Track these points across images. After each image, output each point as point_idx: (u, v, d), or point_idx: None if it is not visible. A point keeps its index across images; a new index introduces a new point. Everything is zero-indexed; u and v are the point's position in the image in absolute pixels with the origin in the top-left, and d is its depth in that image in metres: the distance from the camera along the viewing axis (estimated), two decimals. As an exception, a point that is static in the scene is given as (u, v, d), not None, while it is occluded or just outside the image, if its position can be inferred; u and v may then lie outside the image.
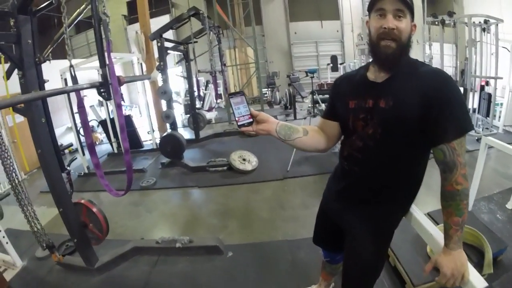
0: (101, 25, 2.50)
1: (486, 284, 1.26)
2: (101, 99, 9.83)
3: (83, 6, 2.80)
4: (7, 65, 2.76)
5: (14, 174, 3.12)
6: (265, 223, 3.91)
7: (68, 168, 3.17)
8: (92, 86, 2.53)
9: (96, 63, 6.51)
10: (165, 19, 13.38)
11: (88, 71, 8.10)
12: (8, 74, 2.88)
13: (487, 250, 2.54)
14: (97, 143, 9.51)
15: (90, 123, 9.62)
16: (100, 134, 9.85)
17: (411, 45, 1.38)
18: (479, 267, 2.44)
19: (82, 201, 3.16)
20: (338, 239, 1.81)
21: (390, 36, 1.32)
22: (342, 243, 1.75)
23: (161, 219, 4.38)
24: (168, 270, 3.17)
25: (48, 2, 2.76)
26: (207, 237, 3.66)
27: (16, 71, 2.63)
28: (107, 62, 2.54)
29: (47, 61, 2.77)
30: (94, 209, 3.12)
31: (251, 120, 1.42)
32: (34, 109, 2.61)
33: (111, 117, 7.23)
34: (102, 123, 7.89)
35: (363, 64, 1.73)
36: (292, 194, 4.63)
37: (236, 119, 1.40)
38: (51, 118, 2.89)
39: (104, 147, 8.78)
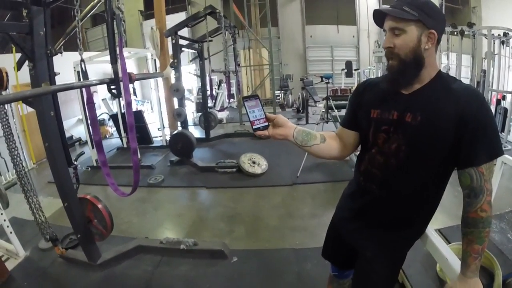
0: (115, 19, 2.43)
1: None
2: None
3: (94, 1, 2.74)
4: (18, 55, 2.74)
5: (20, 165, 3.14)
6: (272, 230, 3.84)
7: (75, 162, 3.13)
8: (101, 82, 2.48)
9: (107, 57, 6.54)
10: (181, 16, 13.45)
11: (104, 64, 8.12)
12: (19, 65, 2.87)
13: (497, 273, 2.45)
14: (107, 136, 9.56)
15: (101, 116, 9.67)
16: (110, 128, 9.88)
17: (422, 57, 1.29)
18: (487, 290, 2.37)
19: (88, 197, 3.13)
20: (349, 257, 1.73)
21: (390, 55, 1.33)
22: (353, 260, 1.69)
23: (167, 218, 4.34)
24: (171, 272, 3.12)
25: None
26: (212, 241, 3.60)
27: (27, 62, 2.60)
28: (119, 59, 2.47)
29: (59, 54, 2.75)
30: (99, 205, 3.09)
31: (266, 123, 1.36)
32: (44, 101, 2.59)
33: (123, 111, 7.21)
34: (113, 117, 7.87)
35: (382, 73, 1.68)
36: (301, 202, 4.54)
37: (251, 122, 1.35)
38: (60, 111, 2.86)
39: (114, 141, 8.80)
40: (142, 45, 14.56)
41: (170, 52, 6.39)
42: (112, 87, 2.51)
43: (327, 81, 7.28)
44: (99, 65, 8.40)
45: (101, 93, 9.79)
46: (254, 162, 5.61)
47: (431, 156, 1.30)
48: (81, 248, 3.17)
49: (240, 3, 12.42)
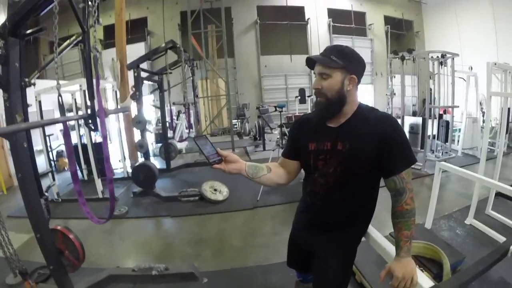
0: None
1: (432, 283, 1.52)
2: (71, 123, 9.74)
3: (74, 37, 2.89)
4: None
5: None
6: (237, 250, 4.01)
7: (46, 194, 3.18)
8: (80, 117, 2.61)
9: (73, 87, 6.52)
10: (140, 47, 13.64)
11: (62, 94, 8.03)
12: None
13: (445, 262, 2.83)
14: (66, 168, 9.31)
15: (59, 148, 9.49)
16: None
17: (345, 96, 1.59)
18: (439, 278, 2.71)
19: (59, 228, 3.15)
20: (309, 261, 1.99)
21: (318, 94, 1.62)
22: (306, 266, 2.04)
23: (134, 247, 4.37)
24: (144, 298, 3.18)
25: (38, 28, 2.83)
26: (183, 265, 3.68)
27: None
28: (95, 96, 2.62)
29: (32, 86, 2.83)
30: (71, 236, 3.11)
31: (220, 157, 1.58)
32: (18, 133, 2.57)
33: (83, 142, 7.19)
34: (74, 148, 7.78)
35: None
36: (263, 222, 4.77)
37: (207, 157, 1.54)
38: (32, 143, 2.92)
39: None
40: (102, 75, 14.46)
41: (130, 83, 6.48)
42: (89, 121, 2.64)
43: (281, 110, 7.61)
44: (55, 95, 8.32)
45: (59, 124, 9.63)
46: (215, 190, 5.78)
47: (360, 171, 1.61)
48: (53, 281, 3.09)
49: (198, 34, 12.74)
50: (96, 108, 2.57)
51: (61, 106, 2.65)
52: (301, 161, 1.83)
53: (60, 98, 2.59)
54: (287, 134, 6.47)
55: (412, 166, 1.60)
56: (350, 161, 1.59)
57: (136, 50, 11.48)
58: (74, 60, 14.53)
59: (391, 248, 1.72)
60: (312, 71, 1.66)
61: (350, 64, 1.57)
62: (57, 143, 9.58)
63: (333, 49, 1.59)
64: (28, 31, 2.72)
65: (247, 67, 15.46)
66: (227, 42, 11.25)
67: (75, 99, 7.70)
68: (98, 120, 2.57)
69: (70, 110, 10.46)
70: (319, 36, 15.49)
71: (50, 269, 2.99)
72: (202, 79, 13.90)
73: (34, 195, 2.84)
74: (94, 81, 2.59)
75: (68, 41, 2.94)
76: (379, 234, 1.89)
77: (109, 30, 10.33)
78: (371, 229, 1.90)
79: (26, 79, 2.73)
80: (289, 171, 1.87)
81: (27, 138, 2.76)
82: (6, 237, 3.25)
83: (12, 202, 6.23)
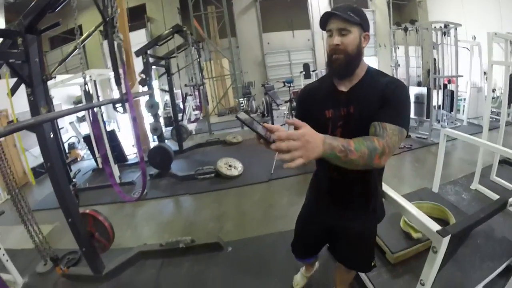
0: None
1: (439, 227, 1.60)
2: (80, 115, 9.84)
3: (93, 28, 2.99)
4: (11, 81, 2.84)
5: (14, 188, 3.22)
6: (257, 221, 4.19)
7: (74, 180, 3.32)
8: (110, 102, 2.73)
9: (80, 79, 6.63)
10: (141, 33, 13.60)
11: (67, 88, 8.18)
12: (13, 91, 3.01)
13: (451, 221, 3.05)
14: (78, 159, 9.50)
15: (70, 140, 9.65)
16: (81, 151, 9.85)
17: (362, 53, 1.61)
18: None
19: (88, 211, 3.31)
20: (322, 244, 2.25)
21: (334, 52, 1.57)
22: (320, 247, 2.30)
23: (158, 227, 4.51)
24: (174, 270, 3.35)
25: (54, 23, 2.91)
26: (208, 236, 3.87)
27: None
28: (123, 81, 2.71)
29: (53, 79, 2.94)
30: (100, 218, 3.28)
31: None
32: (44, 124, 2.70)
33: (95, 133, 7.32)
34: (86, 139, 7.94)
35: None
36: (279, 194, 4.94)
37: (264, 137, 1.16)
38: (59, 132, 3.05)
39: (85, 164, 8.78)
40: (104, 65, 14.52)
41: (136, 69, 6.54)
42: (118, 105, 2.76)
43: (289, 85, 7.66)
44: (62, 89, 8.46)
45: (67, 116, 9.75)
46: (230, 166, 5.94)
47: (367, 130, 1.52)
48: (86, 263, 3.27)
49: (198, 17, 12.71)
50: (124, 92, 2.68)
51: (87, 94, 2.77)
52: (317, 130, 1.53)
53: (86, 86, 2.71)
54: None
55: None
56: (362, 121, 1.54)
57: (137, 37, 11.50)
58: (76, 53, 14.48)
59: (408, 206, 1.85)
60: (325, 33, 1.62)
61: (364, 22, 1.58)
62: (67, 136, 9.74)
63: (347, 7, 1.56)
64: (44, 27, 2.82)
65: (249, 45, 15.38)
66: (228, 22, 11.24)
67: (84, 90, 7.78)
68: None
69: (77, 103, 10.62)
70: (320, 10, 15.15)
71: (82, 251, 3.17)
72: (206, 61, 13.89)
73: (64, 182, 2.98)
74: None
75: (88, 32, 3.04)
76: (395, 192, 2.00)
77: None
78: (386, 187, 2.01)
79: (47, 73, 2.86)
80: None
81: (53, 128, 2.89)
82: (36, 227, 3.38)
83: (29, 197, 6.33)
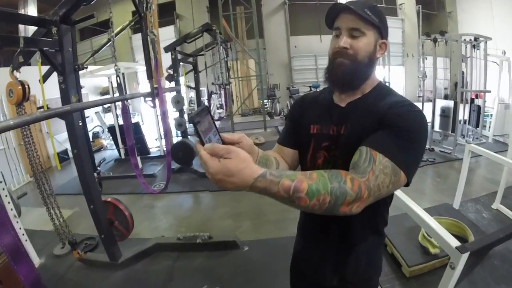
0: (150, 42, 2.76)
1: (458, 243, 1.54)
2: (105, 105, 10.06)
3: (126, 23, 3.07)
4: (43, 69, 2.95)
5: (40, 170, 3.29)
6: (275, 223, 4.20)
7: (98, 168, 3.41)
8: (142, 95, 2.80)
9: (108, 71, 6.82)
10: (169, 30, 13.77)
11: (94, 78, 8.39)
12: (45, 78, 3.08)
13: (470, 238, 3.01)
14: (102, 149, 9.71)
15: (95, 129, 9.86)
16: (104, 140, 10.05)
17: (375, 63, 1.24)
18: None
19: (109, 199, 3.40)
20: None
21: (341, 55, 1.18)
22: None
23: (176, 220, 4.58)
24: (189, 264, 3.41)
25: (89, 15, 3.00)
26: (225, 234, 3.91)
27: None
28: (155, 75, 2.78)
29: (84, 69, 3.03)
30: (121, 206, 3.37)
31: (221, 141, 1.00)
32: (74, 113, 2.81)
33: (120, 124, 7.47)
34: (111, 129, 8.10)
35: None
36: (297, 198, 4.91)
37: (202, 138, 0.90)
38: (86, 121, 3.14)
39: (108, 153, 8.97)
40: (132, 59, 14.78)
41: (163, 65, 6.65)
42: (149, 99, 2.83)
43: (316, 90, 7.65)
44: (89, 79, 8.67)
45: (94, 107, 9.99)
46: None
47: None
48: (103, 249, 3.39)
49: (227, 16, 12.79)
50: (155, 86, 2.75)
51: (118, 86, 2.84)
52: (299, 150, 1.41)
53: (118, 78, 2.78)
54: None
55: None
56: (348, 149, 1.12)
57: (165, 34, 11.67)
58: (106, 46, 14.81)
59: (429, 219, 1.83)
60: (333, 32, 1.20)
61: (384, 26, 1.20)
62: (92, 125, 9.95)
63: (364, 3, 1.16)
64: (78, 18, 2.91)
65: (276, 47, 15.38)
66: (257, 24, 11.28)
67: (116, 82, 7.96)
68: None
69: (104, 93, 10.84)
70: None
71: (101, 238, 3.25)
72: (232, 60, 13.97)
73: (89, 169, 3.07)
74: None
75: (122, 26, 3.12)
76: (416, 204, 1.98)
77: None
78: (407, 198, 1.99)
79: (79, 63, 2.95)
80: (289, 163, 1.43)
81: (82, 117, 3.00)
82: (57, 210, 3.48)
83: (52, 181, 6.49)
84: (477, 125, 7.68)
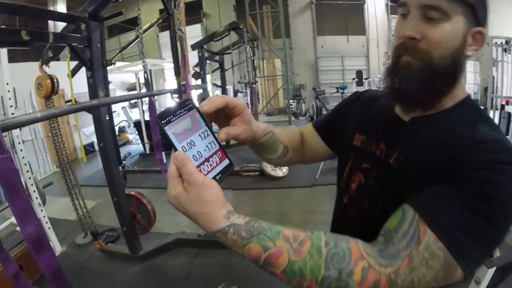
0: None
1: None
2: (132, 101, 10.22)
3: (155, 20, 3.11)
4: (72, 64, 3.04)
5: (66, 161, 3.42)
6: (296, 224, 4.03)
7: (123, 162, 3.45)
8: (169, 92, 2.82)
9: (136, 67, 6.92)
10: (196, 28, 13.89)
11: (121, 74, 8.51)
12: (73, 73, 3.17)
13: (496, 253, 2.79)
14: (127, 143, 9.90)
15: (121, 124, 10.02)
16: (130, 135, 10.20)
17: (462, 65, 0.79)
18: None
19: (133, 193, 3.43)
20: None
21: (411, 49, 0.76)
22: None
23: (197, 216, 4.57)
24: (208, 262, 3.40)
25: (117, 11, 3.05)
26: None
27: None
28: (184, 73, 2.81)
29: (112, 65, 3.09)
30: (144, 200, 3.40)
31: (227, 161, 0.72)
32: (101, 107, 2.85)
33: (145, 119, 7.58)
34: (137, 124, 8.21)
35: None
36: (321, 200, 4.82)
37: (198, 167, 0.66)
38: (112, 116, 3.20)
39: (133, 147, 9.10)
40: (159, 56, 14.98)
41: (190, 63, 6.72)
42: (174, 95, 2.85)
43: (342, 91, 7.58)
44: (117, 75, 8.82)
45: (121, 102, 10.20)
46: (275, 166, 5.92)
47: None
48: (124, 241, 3.42)
49: (254, 15, 12.80)
50: (183, 83, 2.77)
51: (146, 82, 2.87)
52: (339, 158, 1.09)
53: (145, 74, 2.81)
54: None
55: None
56: (398, 195, 0.75)
57: (192, 32, 11.76)
58: (134, 43, 15.06)
59: None
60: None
61: (481, 4, 0.75)
62: (118, 120, 10.13)
63: None
64: (107, 15, 2.96)
65: (303, 47, 15.26)
66: (283, 23, 11.24)
67: (138, 78, 8.11)
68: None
69: (131, 89, 11.02)
70: (377, 16, 14.88)
71: (123, 230, 3.28)
72: (259, 59, 13.97)
73: (114, 162, 3.11)
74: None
75: (150, 23, 3.16)
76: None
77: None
78: None
79: (107, 59, 3.01)
80: (308, 149, 1.15)
81: (109, 112, 3.05)
82: (81, 201, 3.57)
83: (78, 172, 6.65)
84: (507, 133, 7.43)
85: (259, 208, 4.70)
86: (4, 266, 1.26)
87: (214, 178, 0.68)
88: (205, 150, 0.68)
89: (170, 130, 0.64)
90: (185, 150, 0.65)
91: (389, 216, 0.72)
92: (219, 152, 0.70)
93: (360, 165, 0.93)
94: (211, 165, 0.68)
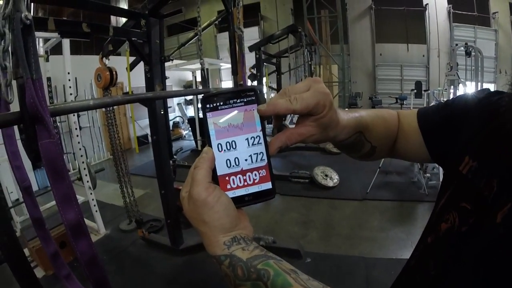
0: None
1: None
2: (188, 98, 10.45)
3: (214, 18, 3.12)
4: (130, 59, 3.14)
5: (119, 150, 3.59)
6: (343, 238, 3.97)
7: (175, 156, 3.47)
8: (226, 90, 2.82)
9: (193, 65, 7.04)
10: (254, 30, 14.00)
11: (180, 72, 8.73)
12: (132, 67, 3.28)
13: None
14: (181, 138, 10.12)
15: (176, 119, 10.25)
16: (183, 131, 10.40)
17: None
18: None
19: (181, 187, 3.44)
20: None
21: None
22: None
23: (243, 218, 4.54)
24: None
25: (177, 9, 3.09)
26: (290, 240, 3.79)
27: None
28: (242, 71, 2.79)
29: (170, 61, 3.14)
30: (193, 197, 3.40)
31: (269, 185, 0.56)
32: (157, 101, 2.94)
33: (200, 116, 7.67)
34: (191, 120, 8.35)
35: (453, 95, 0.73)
36: (371, 216, 4.62)
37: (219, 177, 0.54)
38: (167, 110, 3.24)
39: (186, 143, 9.26)
40: (216, 56, 15.22)
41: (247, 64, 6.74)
42: None
43: (402, 102, 7.25)
44: (174, 72, 9.05)
45: (177, 98, 10.45)
46: (326, 175, 5.76)
47: None
48: (166, 233, 3.51)
49: (311, 20, 12.66)
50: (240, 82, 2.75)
51: (203, 80, 2.88)
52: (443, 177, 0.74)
53: (202, 71, 2.82)
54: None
55: None
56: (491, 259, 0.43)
57: (250, 34, 11.81)
58: (192, 41, 15.43)
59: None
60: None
61: None
62: (173, 115, 10.38)
63: None
64: (166, 13, 3.02)
65: (361, 54, 14.81)
66: (342, 28, 11.02)
67: (195, 76, 8.30)
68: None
69: (187, 87, 11.28)
70: (438, 24, 14.02)
71: (167, 222, 3.36)
72: (316, 65, 13.81)
73: (165, 156, 3.18)
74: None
75: (209, 21, 3.19)
76: None
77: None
78: None
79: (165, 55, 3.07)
80: (402, 146, 0.84)
81: (164, 106, 3.09)
82: (130, 189, 3.71)
83: (130, 161, 6.87)
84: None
85: (306, 217, 4.58)
86: (44, 245, 1.27)
87: (238, 198, 0.53)
88: (246, 159, 0.53)
89: (211, 119, 0.52)
90: (219, 150, 0.52)
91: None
92: (265, 170, 0.54)
93: (459, 202, 0.57)
94: (245, 180, 0.53)
